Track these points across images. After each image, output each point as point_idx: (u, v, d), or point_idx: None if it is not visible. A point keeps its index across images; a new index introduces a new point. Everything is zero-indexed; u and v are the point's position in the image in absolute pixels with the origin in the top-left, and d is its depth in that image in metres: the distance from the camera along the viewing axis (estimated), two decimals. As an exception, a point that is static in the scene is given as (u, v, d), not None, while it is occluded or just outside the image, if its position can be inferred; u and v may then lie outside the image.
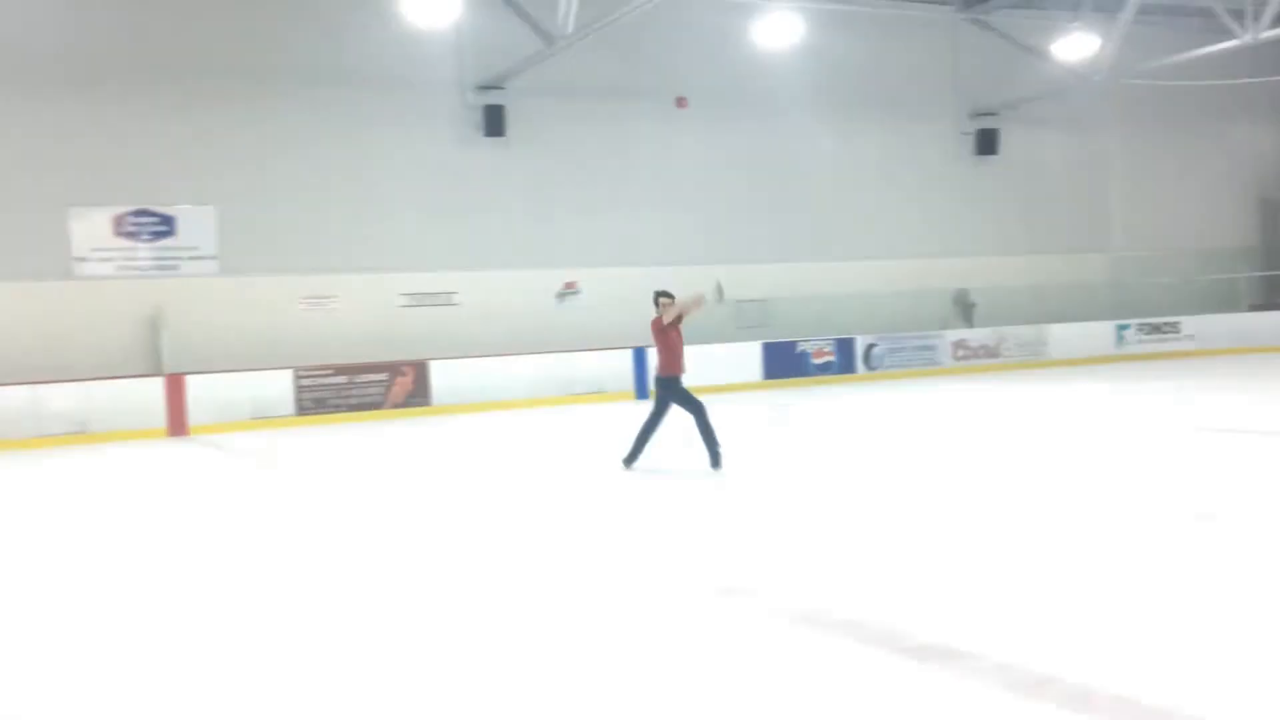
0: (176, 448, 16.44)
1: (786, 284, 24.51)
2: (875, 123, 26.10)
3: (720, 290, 10.70)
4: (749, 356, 22.91)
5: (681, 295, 11.18)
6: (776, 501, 9.23)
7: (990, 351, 25.12)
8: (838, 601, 5.77)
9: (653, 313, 11.09)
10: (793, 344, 23.36)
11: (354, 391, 19.82)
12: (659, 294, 11.14)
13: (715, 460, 10.62)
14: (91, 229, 19.51)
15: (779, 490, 9.88)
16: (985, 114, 27.10)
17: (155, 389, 18.50)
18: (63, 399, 17.85)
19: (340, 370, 19.82)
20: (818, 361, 23.43)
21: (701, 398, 10.93)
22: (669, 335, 10.96)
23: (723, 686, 4.62)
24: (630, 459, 10.98)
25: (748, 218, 24.68)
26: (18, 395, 17.63)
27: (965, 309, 25.98)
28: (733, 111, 24.46)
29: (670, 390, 10.94)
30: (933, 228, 26.72)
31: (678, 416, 10.91)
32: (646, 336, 21.33)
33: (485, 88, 22.04)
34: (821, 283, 24.87)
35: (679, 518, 8.62)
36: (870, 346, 23.96)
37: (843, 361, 23.64)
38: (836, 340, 23.71)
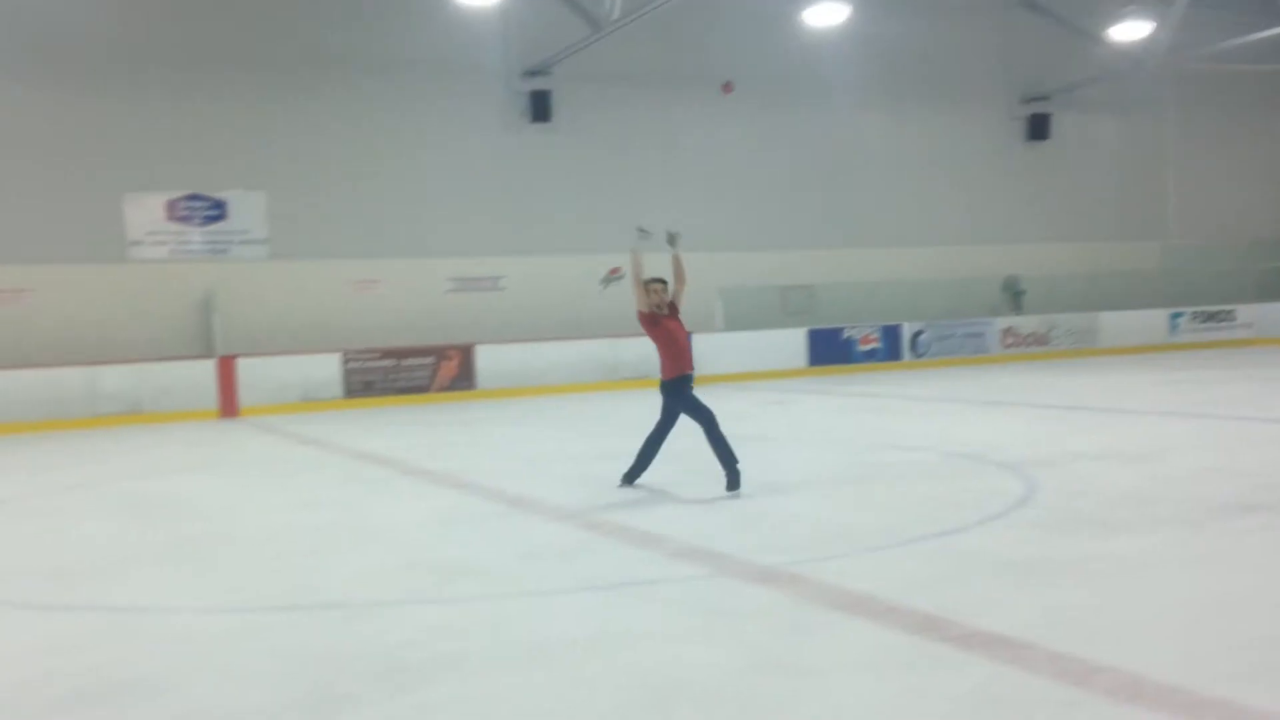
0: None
1: (833, 270, 24.38)
2: (924, 108, 25.86)
3: (644, 233, 8.99)
4: (794, 343, 22.83)
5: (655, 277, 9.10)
6: (812, 488, 9.19)
7: (1039, 339, 24.84)
8: (881, 588, 5.74)
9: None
10: (838, 330, 23.24)
11: (401, 375, 19.98)
12: (648, 281, 9.08)
13: (733, 480, 8.68)
14: (145, 213, 19.81)
15: (812, 477, 9.83)
16: (1037, 99, 26.75)
17: (207, 371, 18.76)
18: (117, 379, 18.16)
19: (387, 354, 19.98)
20: (864, 348, 23.29)
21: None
22: (666, 327, 9.02)
23: (764, 674, 4.61)
24: (631, 475, 9.20)
25: (794, 203, 24.56)
26: (73, 376, 17.95)
27: (1014, 296, 25.70)
28: (779, 97, 24.32)
29: (677, 395, 8.97)
30: (982, 214, 26.45)
31: (686, 426, 9.08)
32: (691, 321, 21.17)
33: (531, 73, 22.07)
34: (869, 269, 24.72)
35: (707, 505, 8.60)
36: (917, 333, 23.78)
37: (889, 348, 23.49)
38: (883, 327, 23.55)
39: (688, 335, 9.13)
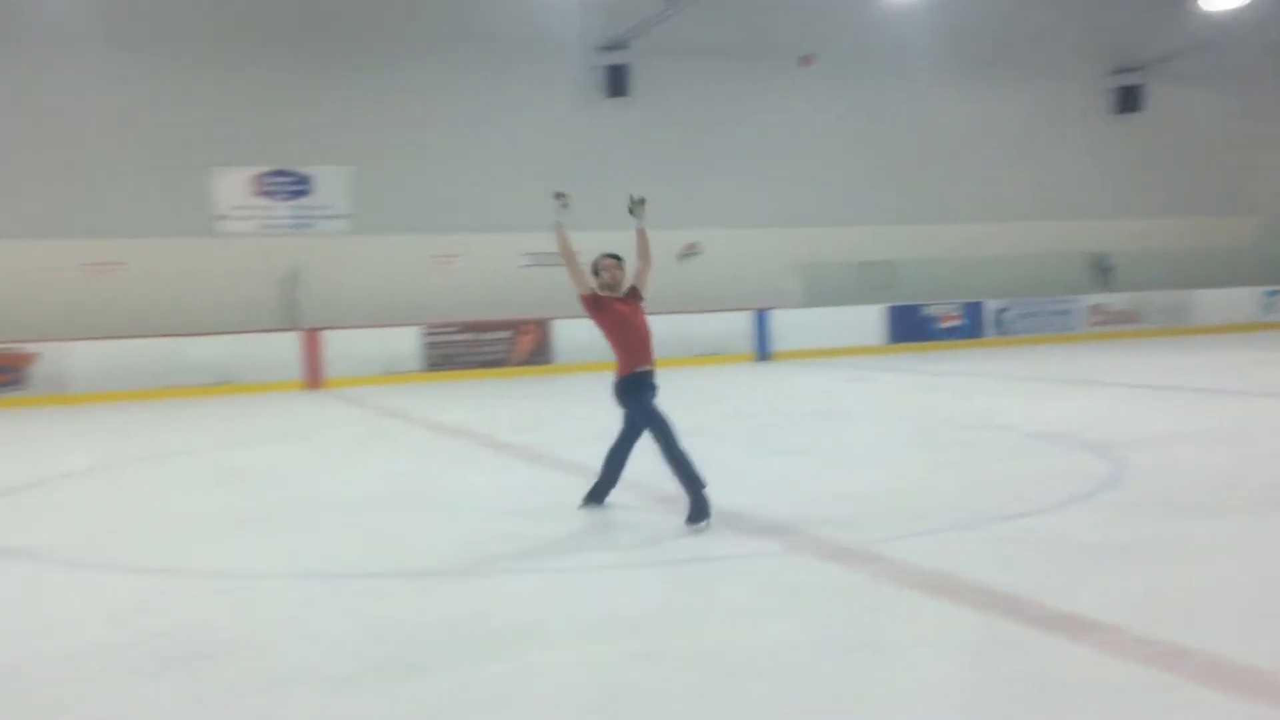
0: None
1: (914, 246, 24.03)
2: (1009, 80, 25.30)
3: (563, 199, 7.95)
4: (873, 319, 22.57)
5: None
6: (890, 466, 9.09)
7: (1128, 317, 24.24)
8: (960, 567, 5.65)
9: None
10: (919, 307, 22.92)
11: (480, 349, 20.18)
12: (600, 257, 7.53)
13: (696, 510, 6.67)
14: (232, 188, 20.23)
15: (890, 455, 9.71)
16: (1127, 70, 26.01)
17: (292, 343, 19.12)
18: (205, 351, 18.60)
19: (466, 327, 20.18)
20: (945, 325, 22.94)
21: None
22: (615, 311, 7.13)
23: (838, 651, 4.57)
24: (595, 495, 7.49)
25: (875, 178, 24.24)
26: (163, 347, 18.42)
27: (1103, 273, 25.09)
28: (859, 70, 23.97)
29: (631, 397, 7.06)
30: (1069, 188, 25.85)
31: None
32: (768, 297, 21.05)
33: (608, 48, 22.03)
34: (950, 245, 24.33)
35: (781, 482, 8.53)
36: (1001, 310, 23.35)
37: (971, 325, 23.11)
38: (965, 304, 23.16)
39: (647, 323, 7.21)
